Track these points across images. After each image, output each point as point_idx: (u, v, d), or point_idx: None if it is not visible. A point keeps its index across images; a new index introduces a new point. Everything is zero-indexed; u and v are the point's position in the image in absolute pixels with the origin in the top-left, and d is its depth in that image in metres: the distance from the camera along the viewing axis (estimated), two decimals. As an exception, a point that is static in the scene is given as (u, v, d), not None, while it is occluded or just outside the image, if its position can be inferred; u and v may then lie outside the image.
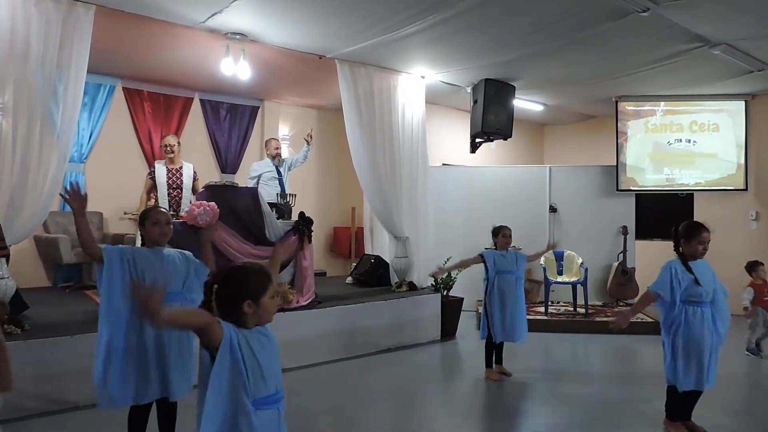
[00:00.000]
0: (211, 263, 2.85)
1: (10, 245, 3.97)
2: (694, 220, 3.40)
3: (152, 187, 5.74)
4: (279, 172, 6.38)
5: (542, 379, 4.61)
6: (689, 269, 3.20)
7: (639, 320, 6.42)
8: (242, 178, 7.08)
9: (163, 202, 5.55)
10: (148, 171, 5.84)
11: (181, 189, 5.71)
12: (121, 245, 2.85)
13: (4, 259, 3.88)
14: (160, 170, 5.71)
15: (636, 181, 7.53)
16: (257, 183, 6.25)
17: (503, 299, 4.49)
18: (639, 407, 3.87)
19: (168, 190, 5.67)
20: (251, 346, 1.74)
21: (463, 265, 4.72)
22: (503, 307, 4.48)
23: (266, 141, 6.71)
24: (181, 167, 5.80)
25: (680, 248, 3.29)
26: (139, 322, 2.66)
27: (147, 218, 2.81)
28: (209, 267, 2.83)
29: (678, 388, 3.24)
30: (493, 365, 4.62)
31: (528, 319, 6.25)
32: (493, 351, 4.60)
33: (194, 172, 5.89)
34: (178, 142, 5.87)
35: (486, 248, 4.71)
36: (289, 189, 6.36)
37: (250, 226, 4.85)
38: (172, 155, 5.75)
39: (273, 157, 6.40)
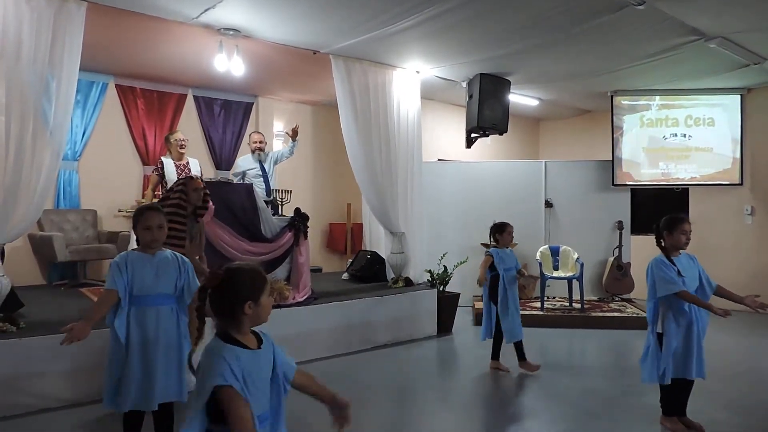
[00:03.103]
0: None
1: (4, 244, 3.95)
2: (673, 214, 3.45)
3: (158, 184, 5.65)
4: (263, 169, 6.20)
5: (539, 374, 4.61)
6: (672, 263, 3.26)
7: (634, 315, 6.44)
8: (233, 172, 7.04)
9: None
10: (154, 167, 5.67)
11: None
12: (119, 264, 2.68)
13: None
14: (169, 166, 5.62)
15: (631, 175, 7.53)
16: (242, 180, 6.02)
17: (512, 297, 4.51)
18: (635, 401, 3.88)
19: None
20: (244, 374, 1.64)
21: (484, 266, 4.55)
22: (513, 306, 4.50)
23: (249, 134, 6.51)
24: (187, 163, 5.76)
25: (663, 242, 3.36)
26: (132, 325, 2.65)
27: (138, 222, 2.73)
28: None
29: (662, 382, 3.26)
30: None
31: (524, 315, 6.31)
32: (500, 343, 4.63)
33: (200, 167, 5.85)
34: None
35: (490, 245, 4.71)
36: (275, 185, 6.21)
37: (246, 222, 4.84)
38: (184, 150, 5.72)
39: (253, 152, 6.18)
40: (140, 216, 2.75)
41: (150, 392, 2.63)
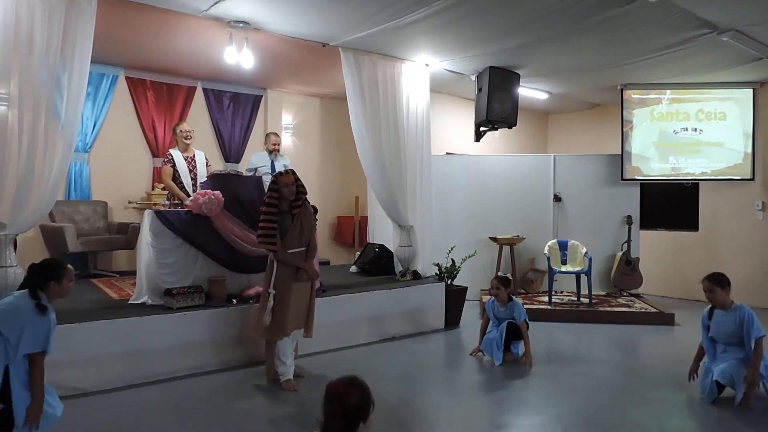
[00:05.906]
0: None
1: (17, 234, 4.01)
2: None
3: (172, 174, 5.60)
4: (274, 168, 6.25)
5: (546, 368, 4.61)
6: None
7: (642, 310, 6.43)
8: (246, 167, 7.08)
9: (189, 190, 5.52)
10: (166, 159, 5.64)
11: (197, 176, 5.68)
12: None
13: (12, 248, 3.90)
14: (179, 158, 5.62)
15: (641, 170, 7.49)
16: (254, 175, 6.15)
17: None
18: (643, 396, 3.88)
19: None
20: None
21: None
22: None
23: (266, 134, 6.65)
24: (194, 155, 5.76)
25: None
26: None
27: (65, 275, 2.73)
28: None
29: None
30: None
31: (532, 309, 6.35)
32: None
33: (206, 159, 5.86)
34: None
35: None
36: None
37: (255, 214, 4.85)
38: (189, 142, 5.71)
39: (270, 152, 6.31)
40: (66, 269, 2.86)
41: None
